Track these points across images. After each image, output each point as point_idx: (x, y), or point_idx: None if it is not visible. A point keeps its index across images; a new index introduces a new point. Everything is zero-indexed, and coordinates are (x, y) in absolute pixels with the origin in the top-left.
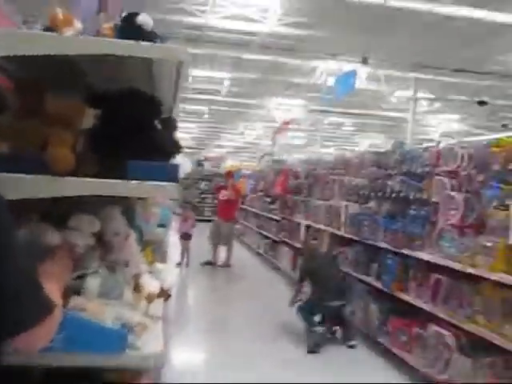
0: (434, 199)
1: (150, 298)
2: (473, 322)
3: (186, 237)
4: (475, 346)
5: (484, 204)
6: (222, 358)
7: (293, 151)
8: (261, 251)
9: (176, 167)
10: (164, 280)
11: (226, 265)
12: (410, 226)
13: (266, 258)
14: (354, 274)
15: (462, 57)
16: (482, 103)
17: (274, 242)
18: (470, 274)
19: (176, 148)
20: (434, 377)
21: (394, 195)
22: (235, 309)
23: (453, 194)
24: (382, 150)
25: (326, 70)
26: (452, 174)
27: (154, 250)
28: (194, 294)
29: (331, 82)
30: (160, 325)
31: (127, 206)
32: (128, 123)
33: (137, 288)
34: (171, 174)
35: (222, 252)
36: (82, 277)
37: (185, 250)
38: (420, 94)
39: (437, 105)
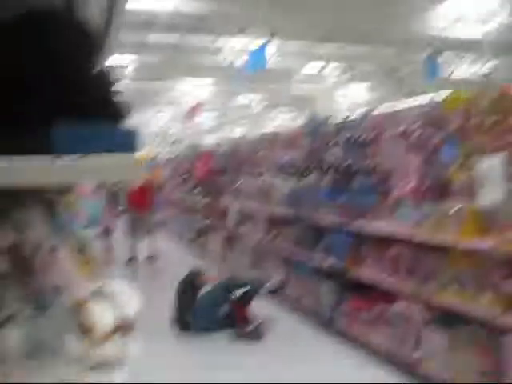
0: (383, 166)
1: (105, 338)
2: (444, 294)
3: (106, 232)
4: (447, 320)
5: (443, 166)
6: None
7: (205, 134)
8: (187, 240)
9: (133, 133)
10: (121, 304)
11: (151, 259)
12: (358, 198)
13: (194, 247)
14: (297, 255)
15: (366, 28)
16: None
17: (201, 229)
18: (434, 243)
19: (123, 107)
20: (405, 355)
21: (335, 166)
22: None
23: (407, 158)
24: (317, 122)
25: (234, 48)
26: (403, 138)
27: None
28: None
29: (240, 60)
30: (125, 374)
31: (43, 204)
32: (45, 66)
33: (83, 327)
34: (128, 143)
35: (145, 245)
36: None
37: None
38: (329, 67)
39: (345, 76)
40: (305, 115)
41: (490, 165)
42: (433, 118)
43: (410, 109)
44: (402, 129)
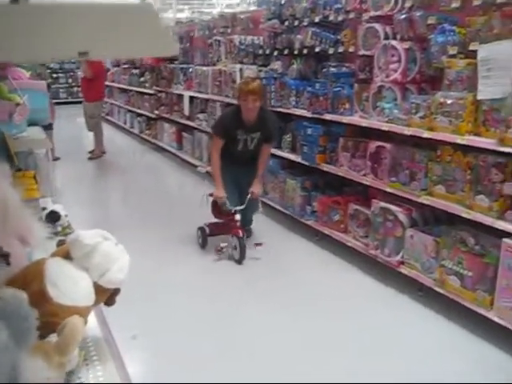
0: (360, 52)
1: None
2: (429, 194)
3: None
4: (433, 223)
5: (435, 53)
6: None
7: None
8: (135, 131)
9: None
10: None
11: (98, 155)
12: (331, 87)
13: (144, 139)
14: None
15: None
16: None
17: (151, 119)
18: (420, 140)
19: None
20: (380, 257)
21: (305, 51)
22: (122, 207)
23: (393, 43)
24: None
25: None
26: (386, 20)
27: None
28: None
29: None
30: None
31: None
32: None
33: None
34: None
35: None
36: None
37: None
38: None
39: None
40: None
41: (497, 52)
42: None
43: None
44: (385, 9)
